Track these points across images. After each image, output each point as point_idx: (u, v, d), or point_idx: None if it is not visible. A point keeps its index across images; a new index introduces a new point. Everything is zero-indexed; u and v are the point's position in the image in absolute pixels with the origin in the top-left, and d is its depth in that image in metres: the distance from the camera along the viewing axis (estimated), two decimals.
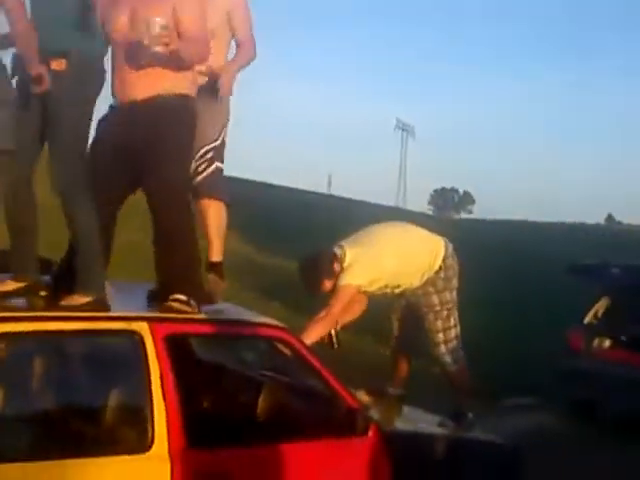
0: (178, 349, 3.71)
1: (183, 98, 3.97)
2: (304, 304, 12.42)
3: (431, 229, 5.67)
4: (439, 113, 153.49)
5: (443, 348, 5.32)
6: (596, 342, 9.17)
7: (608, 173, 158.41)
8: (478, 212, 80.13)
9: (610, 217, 75.07)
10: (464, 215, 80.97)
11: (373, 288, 5.22)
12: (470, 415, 5.16)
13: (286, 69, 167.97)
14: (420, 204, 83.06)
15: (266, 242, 20.09)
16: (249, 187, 31.91)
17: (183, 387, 3.57)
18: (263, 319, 4.15)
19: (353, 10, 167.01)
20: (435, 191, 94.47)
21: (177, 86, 3.96)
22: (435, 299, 5.30)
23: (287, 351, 4.07)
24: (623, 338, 9.21)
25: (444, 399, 5.45)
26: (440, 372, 5.54)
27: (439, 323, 5.32)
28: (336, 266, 5.11)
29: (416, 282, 5.27)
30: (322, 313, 5.05)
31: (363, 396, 4.56)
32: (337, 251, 5.17)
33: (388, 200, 54.97)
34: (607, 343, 9.25)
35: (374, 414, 4.12)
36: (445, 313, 5.33)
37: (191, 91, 4.05)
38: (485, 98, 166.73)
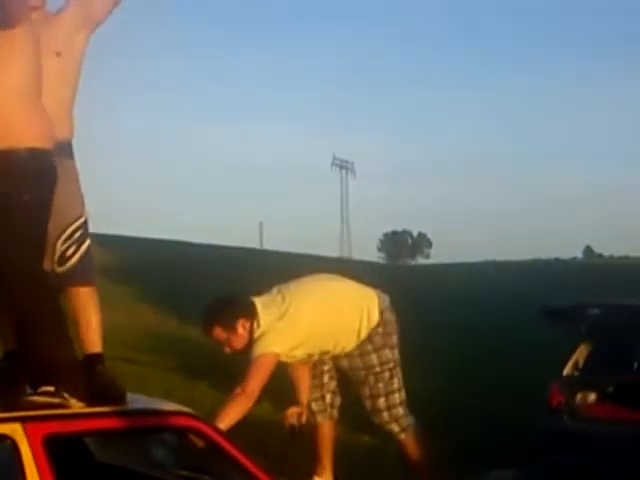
0: (64, 452, 3.56)
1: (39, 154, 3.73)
2: (235, 384, 12.38)
3: (383, 280, 5.65)
4: (381, 146, 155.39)
5: (386, 416, 5.28)
6: (579, 397, 9.13)
7: (582, 201, 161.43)
8: (436, 255, 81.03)
9: (589, 249, 76.37)
10: (421, 260, 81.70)
11: (296, 354, 5.14)
12: None
13: (201, 107, 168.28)
14: (369, 252, 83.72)
15: (190, 313, 19.93)
16: (165, 249, 31.90)
17: None
18: (170, 407, 4.03)
19: (273, 36, 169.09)
20: (385, 235, 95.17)
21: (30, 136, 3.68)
22: (374, 359, 5.26)
23: (202, 443, 3.94)
24: (610, 390, 9.22)
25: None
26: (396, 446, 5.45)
27: (380, 386, 5.29)
28: (243, 325, 5.05)
29: (350, 344, 5.21)
30: (237, 390, 4.95)
31: None
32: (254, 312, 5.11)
33: (331, 250, 55.27)
34: (592, 397, 9.22)
35: None
36: (387, 375, 5.30)
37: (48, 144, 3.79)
38: (433, 127, 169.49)
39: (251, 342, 5.09)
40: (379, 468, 7.76)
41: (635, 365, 9.38)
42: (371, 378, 5.28)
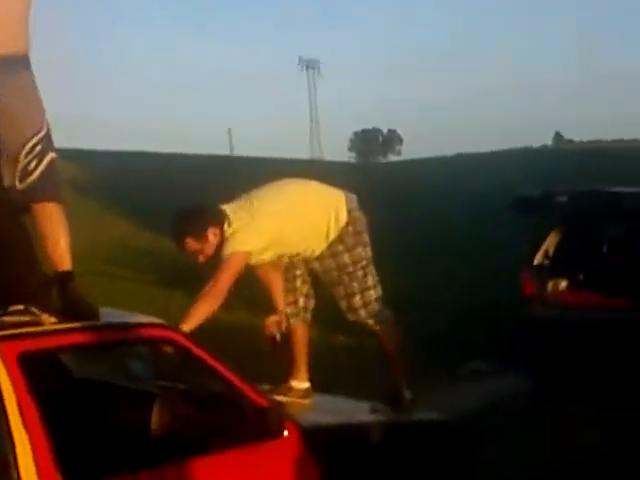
0: (40, 368, 3.61)
1: None
2: None
3: (355, 179, 5.65)
4: (347, 43, 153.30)
5: (363, 312, 5.29)
6: (550, 285, 9.27)
7: (550, 87, 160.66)
8: (407, 152, 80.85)
9: (558, 136, 76.26)
10: (393, 158, 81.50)
11: (266, 256, 5.17)
12: (407, 393, 5.16)
13: (164, 12, 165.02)
14: (340, 152, 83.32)
15: (163, 223, 19.89)
16: (134, 160, 31.67)
17: (52, 414, 3.47)
18: (143, 319, 4.06)
19: None
20: (355, 134, 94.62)
21: None
22: (347, 258, 5.28)
23: (177, 353, 4.00)
24: (581, 276, 9.35)
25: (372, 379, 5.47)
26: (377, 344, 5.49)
27: (355, 285, 5.30)
28: (213, 233, 5.08)
29: (320, 246, 5.25)
30: (205, 289, 4.97)
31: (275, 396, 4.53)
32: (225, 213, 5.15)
33: (302, 153, 55.04)
34: (564, 284, 9.37)
35: (289, 411, 4.09)
36: (360, 273, 5.31)
37: None
38: (394, 20, 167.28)
39: (221, 247, 5.11)
40: (354, 367, 7.89)
41: (604, 250, 9.52)
42: (345, 277, 5.28)
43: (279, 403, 4.14)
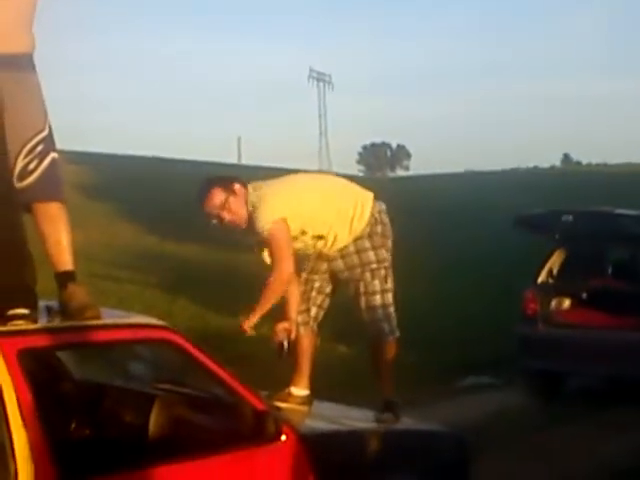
0: (39, 366, 3.61)
1: None
2: (214, 299, 12.50)
3: None
4: (357, 57, 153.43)
5: (380, 313, 5.24)
6: (554, 303, 9.29)
7: (559, 109, 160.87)
8: (415, 167, 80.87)
9: (567, 157, 76.23)
10: (400, 172, 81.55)
11: (294, 228, 5.16)
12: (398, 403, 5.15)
13: (175, 22, 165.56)
14: (348, 165, 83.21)
15: (169, 229, 19.93)
16: (142, 165, 31.71)
17: (50, 410, 3.48)
18: (142, 319, 4.06)
19: None
20: (364, 148, 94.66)
21: None
22: (372, 255, 5.26)
23: (179, 356, 4.00)
24: (584, 296, 9.35)
25: (364, 389, 5.44)
26: (369, 346, 5.44)
27: (377, 283, 5.26)
28: (239, 188, 5.11)
29: (344, 235, 5.23)
30: (271, 277, 5.06)
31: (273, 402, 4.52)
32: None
33: (311, 164, 55.01)
34: (566, 303, 9.38)
35: (286, 416, 4.09)
36: (383, 272, 5.29)
37: None
38: (407, 35, 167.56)
39: (247, 212, 5.10)
40: (354, 377, 7.89)
41: (608, 271, 9.52)
42: (367, 275, 5.24)
43: (277, 408, 4.13)
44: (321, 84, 71.97)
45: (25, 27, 4.13)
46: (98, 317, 3.88)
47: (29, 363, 3.48)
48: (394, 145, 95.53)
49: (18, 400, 3.36)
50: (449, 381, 9.48)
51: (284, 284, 5.11)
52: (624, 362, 8.50)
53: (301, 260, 5.37)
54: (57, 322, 3.79)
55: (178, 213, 22.99)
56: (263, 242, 5.19)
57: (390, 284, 5.32)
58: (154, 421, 4.06)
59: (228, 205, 5.11)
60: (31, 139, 4.04)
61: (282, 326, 5.23)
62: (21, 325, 3.59)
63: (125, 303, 10.80)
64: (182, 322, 11.02)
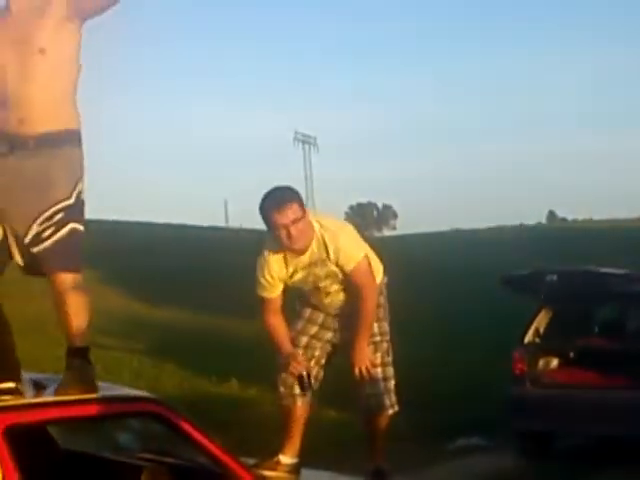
0: (27, 442, 3.59)
1: None
2: (202, 363, 12.47)
3: None
4: (342, 119, 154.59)
5: (382, 387, 5.19)
6: (542, 363, 9.29)
7: (544, 166, 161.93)
8: (402, 227, 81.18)
9: (552, 214, 76.70)
10: (387, 232, 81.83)
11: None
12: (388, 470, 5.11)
13: (161, 87, 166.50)
14: None
15: (156, 295, 19.90)
16: (128, 230, 31.75)
17: None
18: (132, 393, 4.07)
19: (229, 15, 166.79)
20: (351, 208, 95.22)
21: None
22: (375, 327, 5.19)
23: (165, 427, 3.99)
24: (571, 355, 9.38)
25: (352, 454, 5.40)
26: (363, 417, 5.40)
27: (378, 356, 5.21)
28: (307, 216, 5.01)
29: None
30: (365, 305, 5.07)
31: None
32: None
33: None
34: (554, 362, 9.39)
35: None
36: (385, 345, 5.25)
37: None
38: (391, 97, 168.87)
39: (311, 238, 5.01)
40: (345, 443, 7.86)
41: (594, 329, 9.56)
42: (370, 347, 5.15)
43: (264, 477, 4.11)
44: (306, 146, 72.38)
45: (70, 103, 4.25)
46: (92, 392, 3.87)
47: (16, 439, 3.46)
48: (380, 205, 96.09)
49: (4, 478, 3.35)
50: (439, 444, 9.43)
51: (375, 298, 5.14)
52: (613, 421, 8.49)
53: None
54: (44, 396, 3.78)
55: (166, 278, 23.05)
56: (326, 274, 5.11)
57: (391, 357, 5.28)
58: None
59: (298, 225, 4.95)
60: (51, 207, 4.09)
61: (294, 363, 5.11)
62: (8, 400, 3.59)
63: (113, 371, 10.76)
64: (170, 388, 10.98)
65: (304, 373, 5.05)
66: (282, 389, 5.22)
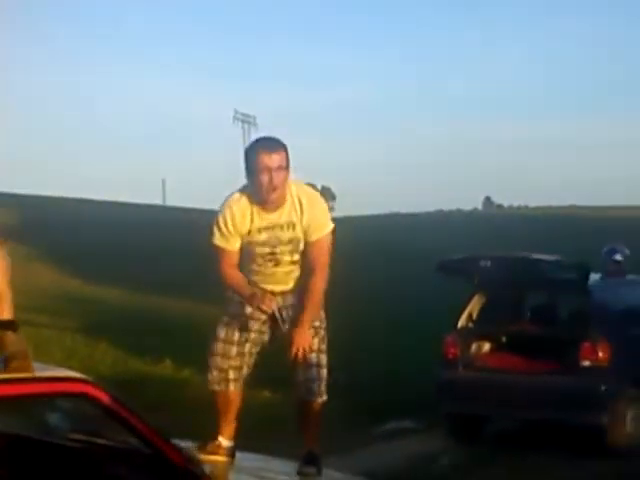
0: None
1: None
2: (138, 343, 12.39)
3: None
4: (282, 98, 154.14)
5: (315, 372, 5.15)
6: (474, 347, 9.37)
7: (483, 153, 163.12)
8: (340, 209, 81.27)
9: (488, 200, 77.38)
10: None
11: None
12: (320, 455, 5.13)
13: (96, 57, 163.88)
14: None
15: (90, 272, 19.71)
16: (63, 207, 31.36)
17: None
18: (63, 373, 4.01)
19: None
20: None
21: None
22: None
23: (96, 408, 3.95)
24: (503, 339, 9.48)
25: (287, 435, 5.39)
26: (296, 402, 5.41)
27: (316, 342, 5.17)
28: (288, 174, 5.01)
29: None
30: (315, 280, 5.04)
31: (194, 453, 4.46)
32: None
33: None
34: (486, 347, 9.48)
35: (208, 470, 4.07)
36: (322, 333, 5.22)
37: None
38: (330, 77, 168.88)
39: (285, 195, 4.98)
40: (279, 422, 7.88)
41: (526, 315, 9.68)
42: (310, 331, 5.08)
43: (199, 461, 4.10)
44: (246, 126, 72.14)
45: None
46: (26, 369, 3.83)
47: None
48: (319, 187, 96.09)
49: None
50: (371, 427, 9.50)
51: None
52: (540, 406, 8.63)
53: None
54: None
55: (100, 255, 22.84)
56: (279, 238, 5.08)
57: (326, 345, 5.26)
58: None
59: (279, 174, 4.94)
60: None
61: (265, 299, 5.05)
62: None
63: (44, 349, 10.64)
64: (103, 367, 10.90)
65: (276, 308, 5.01)
66: (215, 373, 5.20)
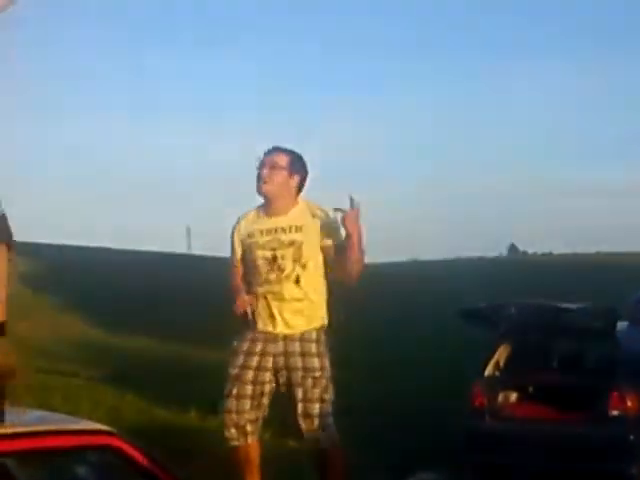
0: None
1: None
2: (164, 392, 12.35)
3: None
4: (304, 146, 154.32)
5: (317, 423, 5.14)
6: (501, 397, 9.29)
7: (507, 199, 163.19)
8: None
9: (513, 247, 76.98)
10: None
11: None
12: None
13: (120, 109, 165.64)
14: None
15: (117, 321, 19.72)
16: (89, 256, 31.44)
17: None
18: (89, 425, 4.01)
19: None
20: None
21: None
22: (316, 362, 5.15)
23: (123, 461, 3.94)
24: (530, 389, 9.40)
25: None
26: (310, 454, 5.35)
27: (317, 392, 5.13)
28: (296, 178, 5.22)
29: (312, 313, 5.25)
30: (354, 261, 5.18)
31: None
32: None
33: None
34: (513, 397, 9.40)
35: None
36: (324, 382, 5.18)
37: None
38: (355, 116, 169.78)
39: (290, 197, 5.16)
40: (303, 473, 7.80)
41: (553, 364, 9.59)
42: (309, 381, 5.11)
43: None
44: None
45: None
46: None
47: None
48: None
49: None
50: (395, 478, 9.39)
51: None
52: (569, 456, 8.53)
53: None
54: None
55: (127, 304, 22.82)
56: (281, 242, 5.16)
57: (330, 394, 5.20)
58: None
59: (277, 175, 5.14)
60: None
61: (245, 298, 5.08)
62: None
63: (71, 399, 10.64)
64: (129, 417, 10.86)
65: (249, 311, 5.06)
66: (233, 430, 5.19)
